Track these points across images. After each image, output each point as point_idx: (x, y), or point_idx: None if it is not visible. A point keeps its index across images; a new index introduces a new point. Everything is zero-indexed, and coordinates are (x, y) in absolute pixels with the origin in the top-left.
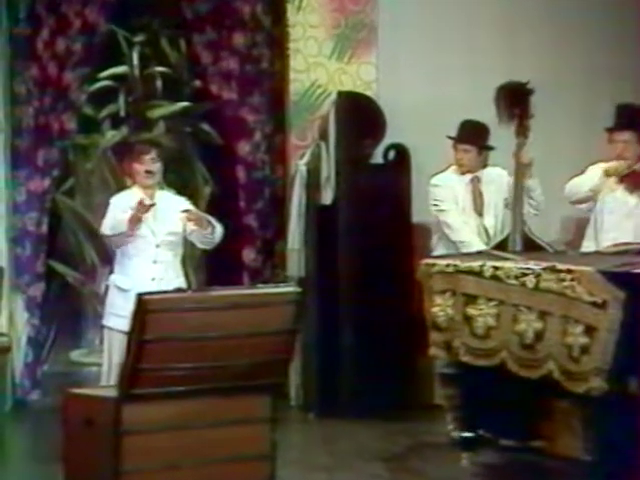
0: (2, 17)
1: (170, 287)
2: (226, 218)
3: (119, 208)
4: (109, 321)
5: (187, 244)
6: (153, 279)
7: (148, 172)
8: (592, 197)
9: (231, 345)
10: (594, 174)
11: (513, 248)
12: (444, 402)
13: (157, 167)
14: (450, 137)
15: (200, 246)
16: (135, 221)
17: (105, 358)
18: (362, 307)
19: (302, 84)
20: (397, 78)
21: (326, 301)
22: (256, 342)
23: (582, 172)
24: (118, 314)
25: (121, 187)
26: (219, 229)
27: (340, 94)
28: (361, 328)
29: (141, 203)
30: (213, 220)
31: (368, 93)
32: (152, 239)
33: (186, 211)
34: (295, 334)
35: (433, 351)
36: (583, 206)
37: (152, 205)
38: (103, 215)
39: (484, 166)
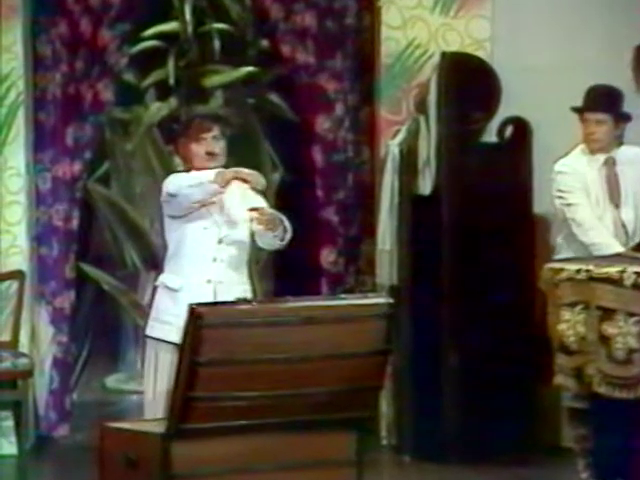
0: None
1: (230, 295)
2: (300, 211)
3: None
4: (153, 330)
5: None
6: (209, 281)
7: (210, 154)
8: None
9: (306, 369)
10: None
11: None
12: (573, 444)
13: (220, 147)
14: (575, 108)
15: (262, 246)
16: (227, 179)
17: (149, 380)
18: (470, 323)
19: (397, 44)
20: (517, 36)
21: (425, 315)
22: (337, 366)
23: None
24: (162, 320)
25: (169, 172)
26: (290, 232)
27: (444, 56)
28: (468, 349)
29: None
30: (285, 220)
31: (480, 54)
32: (215, 231)
33: (255, 209)
34: (386, 356)
35: (560, 379)
36: None
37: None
38: (146, 204)
39: (619, 144)
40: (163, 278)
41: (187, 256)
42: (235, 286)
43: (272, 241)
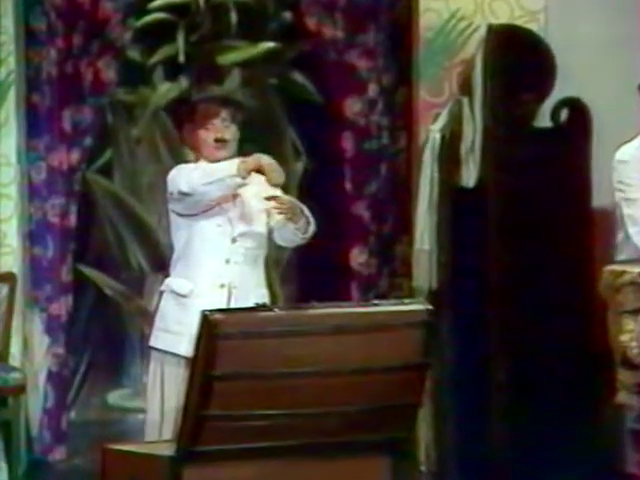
0: None
1: (247, 301)
2: (326, 206)
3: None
4: (158, 340)
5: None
6: (222, 286)
7: (219, 141)
8: None
9: (335, 385)
10: None
11: None
12: (638, 470)
13: (231, 133)
14: None
15: (281, 243)
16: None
17: (153, 397)
18: (520, 332)
19: (438, 15)
20: (574, 6)
21: (468, 323)
22: (370, 381)
23: None
24: (169, 329)
25: (179, 161)
26: (313, 223)
27: (492, 29)
28: (519, 363)
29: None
30: (307, 210)
31: (532, 27)
32: (228, 229)
33: (272, 198)
34: (425, 370)
35: (622, 397)
36: None
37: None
38: (153, 197)
39: None
40: (169, 282)
41: (197, 257)
42: (252, 290)
43: (293, 235)
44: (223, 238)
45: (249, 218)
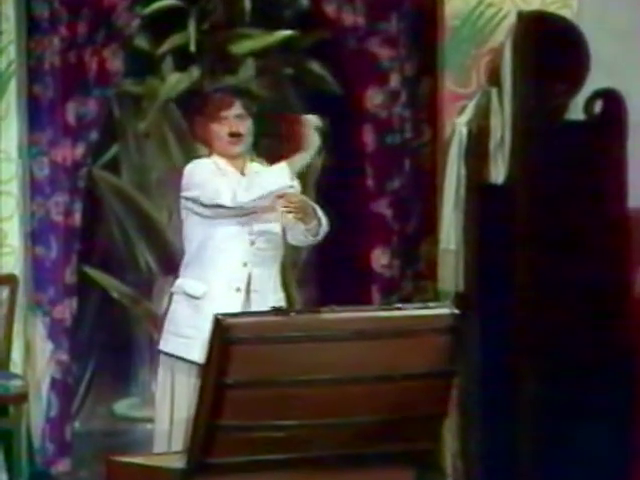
0: None
1: (265, 306)
2: (346, 204)
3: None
4: (168, 344)
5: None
6: (238, 289)
7: (234, 135)
8: None
9: (355, 394)
10: None
11: None
12: None
13: (246, 127)
14: None
15: (293, 243)
16: None
17: (163, 406)
18: (552, 339)
19: (464, 2)
20: None
21: (496, 329)
22: (393, 389)
23: None
24: (180, 333)
25: (191, 158)
26: (325, 224)
27: (522, 16)
28: (551, 371)
29: None
30: (319, 210)
31: (564, 14)
32: (246, 228)
33: (281, 196)
34: (450, 378)
35: None
36: None
37: None
38: (162, 194)
39: None
40: (181, 283)
41: (212, 259)
42: (270, 294)
43: (302, 236)
44: (241, 239)
45: (265, 217)
